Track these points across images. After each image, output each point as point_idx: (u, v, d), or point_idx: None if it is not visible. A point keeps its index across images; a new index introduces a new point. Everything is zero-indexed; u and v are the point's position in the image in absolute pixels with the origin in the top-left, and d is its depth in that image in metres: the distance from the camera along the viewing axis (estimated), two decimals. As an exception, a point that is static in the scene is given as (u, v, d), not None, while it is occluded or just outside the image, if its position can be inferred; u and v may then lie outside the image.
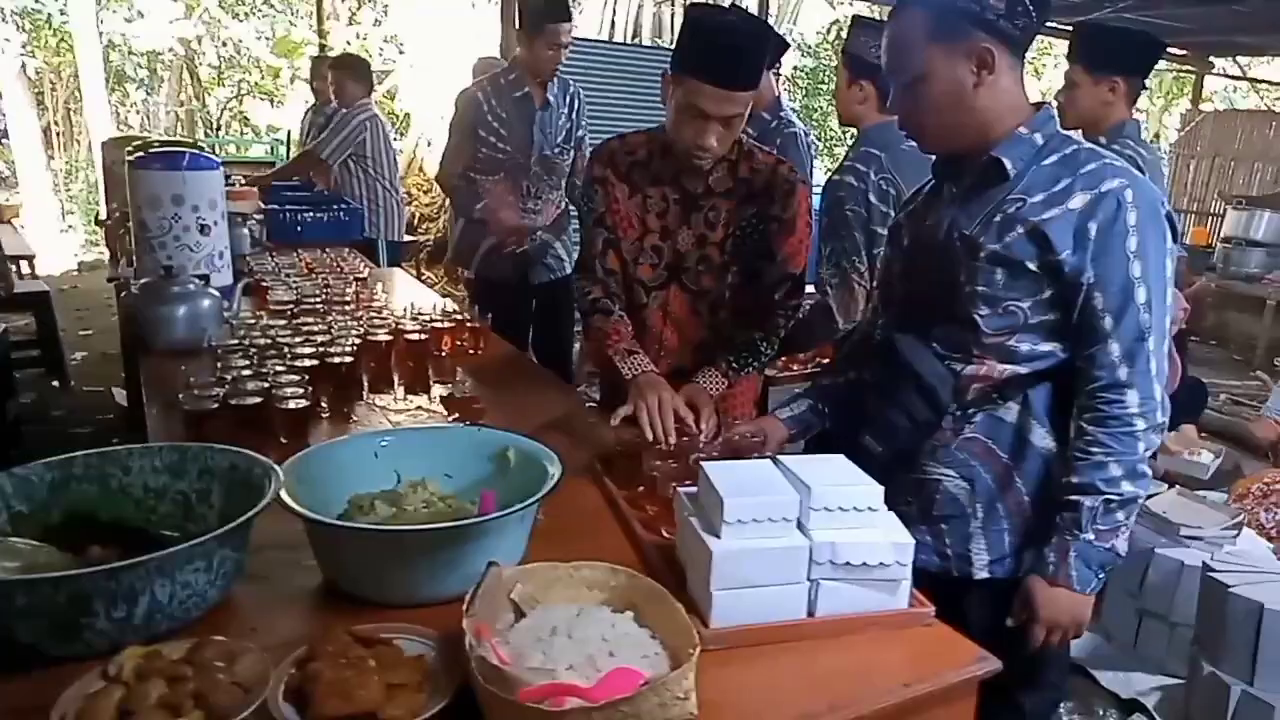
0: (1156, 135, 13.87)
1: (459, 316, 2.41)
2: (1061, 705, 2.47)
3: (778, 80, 3.23)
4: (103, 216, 4.45)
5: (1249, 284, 7.25)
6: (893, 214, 2.16)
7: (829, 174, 2.43)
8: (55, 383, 4.76)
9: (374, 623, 1.00)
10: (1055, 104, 2.64)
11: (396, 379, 2.08)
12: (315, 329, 2.13)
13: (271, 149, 10.21)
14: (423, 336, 2.16)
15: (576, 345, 3.97)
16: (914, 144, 1.45)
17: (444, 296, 3.34)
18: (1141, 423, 1.28)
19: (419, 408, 1.92)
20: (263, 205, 3.95)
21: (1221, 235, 7.74)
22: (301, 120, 5.68)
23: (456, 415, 1.87)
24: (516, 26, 3.08)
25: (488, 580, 0.97)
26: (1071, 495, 1.31)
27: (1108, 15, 6.49)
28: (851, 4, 9.76)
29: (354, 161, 4.56)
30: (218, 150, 10.77)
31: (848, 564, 1.11)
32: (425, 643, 0.97)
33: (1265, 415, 3.99)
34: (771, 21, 10.39)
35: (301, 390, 1.68)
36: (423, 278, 7.06)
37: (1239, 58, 9.92)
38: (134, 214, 2.43)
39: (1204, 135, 8.91)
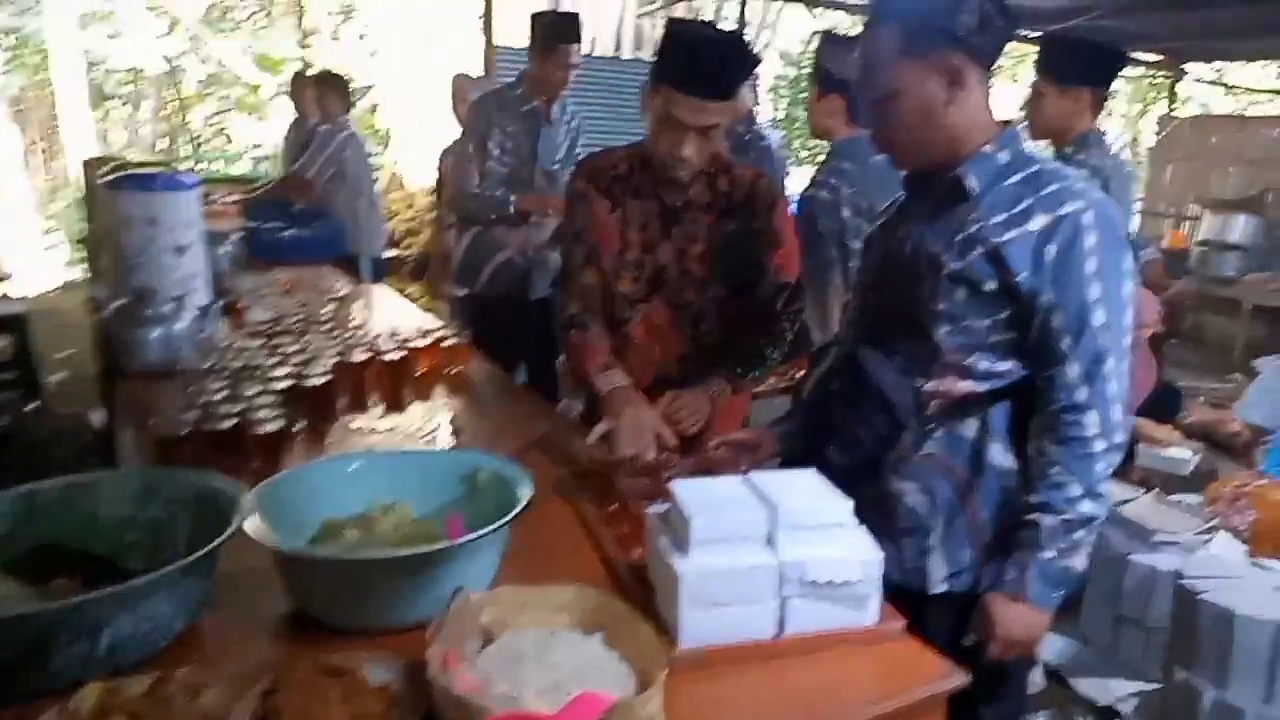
0: (1134, 140, 14.01)
1: (438, 334, 2.41)
2: (1041, 713, 2.49)
3: (754, 93, 3.26)
4: (85, 235, 4.44)
5: (1225, 286, 7.32)
6: (865, 226, 2.18)
7: (805, 188, 2.45)
8: (32, 405, 4.72)
9: (341, 650, 1.00)
10: (1023, 114, 2.69)
11: (374, 400, 2.08)
12: (292, 350, 2.13)
13: (255, 165, 10.19)
14: (400, 356, 2.16)
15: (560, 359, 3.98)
16: (884, 156, 1.47)
17: (427, 311, 3.35)
18: (1101, 443, 1.29)
19: (395, 429, 1.92)
20: (243, 223, 3.95)
21: (1198, 239, 7.82)
22: (285, 137, 5.66)
23: (432, 435, 1.87)
24: (529, 44, 3.14)
25: (455, 606, 0.98)
26: (1031, 514, 1.32)
27: (1082, 23, 6.56)
28: (833, 13, 9.84)
29: (336, 179, 4.56)
30: (202, 166, 10.75)
31: (816, 582, 1.12)
32: (391, 671, 0.97)
33: (1235, 416, 4.03)
34: (752, 31, 10.46)
35: (276, 413, 1.68)
36: (406, 293, 7.06)
37: (1213, 63, 10.03)
38: (109, 236, 2.42)
39: (1180, 140, 8.99)
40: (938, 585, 1.42)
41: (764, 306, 1.90)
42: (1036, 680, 2.58)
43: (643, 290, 1.92)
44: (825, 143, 2.50)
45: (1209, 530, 2.69)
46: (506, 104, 3.15)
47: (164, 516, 1.19)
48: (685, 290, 1.88)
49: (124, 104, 13.13)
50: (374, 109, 10.88)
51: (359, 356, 2.08)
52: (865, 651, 1.14)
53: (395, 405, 2.07)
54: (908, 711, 1.07)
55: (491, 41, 5.59)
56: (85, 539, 1.16)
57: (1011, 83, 11.32)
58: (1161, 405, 4.03)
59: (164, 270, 2.38)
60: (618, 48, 10.11)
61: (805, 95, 2.63)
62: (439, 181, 4.27)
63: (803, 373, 2.51)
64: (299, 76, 5.72)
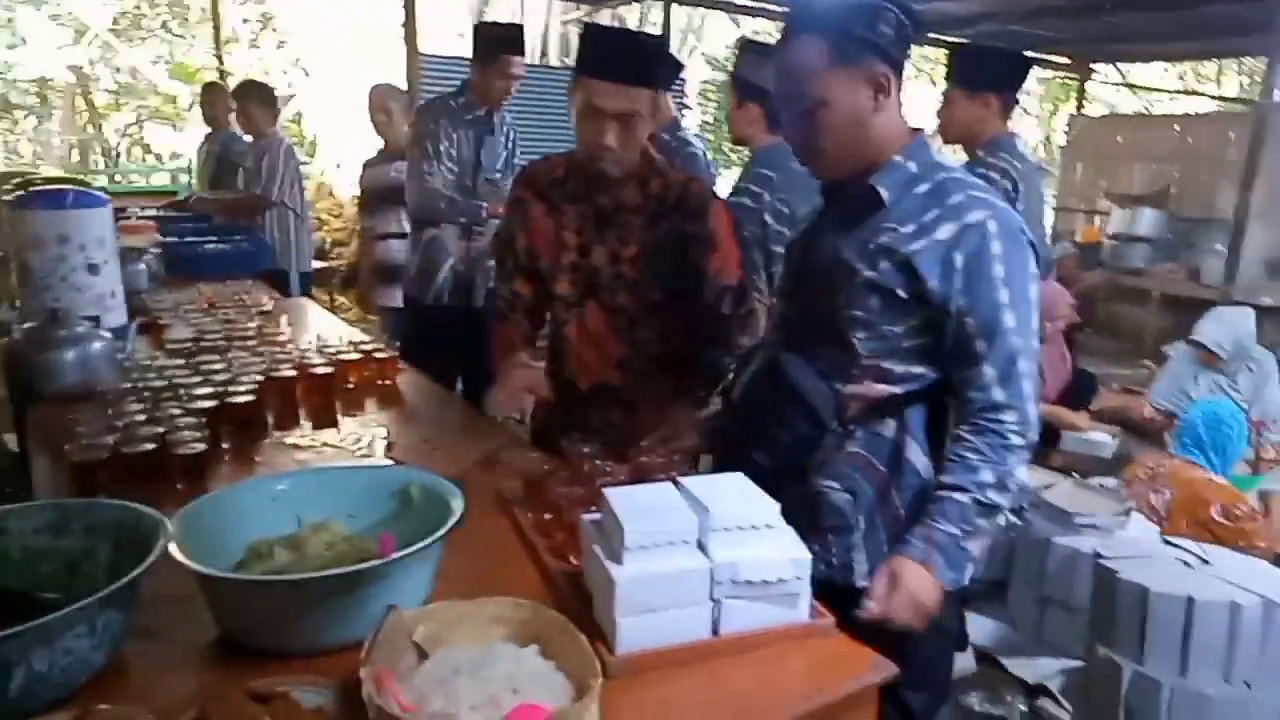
0: (1047, 139, 14.54)
1: (367, 347, 2.38)
2: (973, 693, 2.57)
3: (681, 104, 3.31)
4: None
5: (1135, 277, 7.66)
6: (787, 232, 2.23)
7: (727, 196, 2.49)
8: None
9: (272, 674, 0.98)
10: (936, 120, 2.77)
11: (303, 415, 2.04)
12: (216, 367, 2.08)
13: (174, 177, 9.87)
14: (329, 370, 2.13)
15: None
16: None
17: (356, 323, 3.30)
18: (1017, 439, 1.34)
19: (325, 444, 1.89)
20: (160, 238, 3.83)
21: (1108, 232, 8.15)
22: (198, 150, 5.49)
23: (364, 451, 1.85)
24: (471, 55, 3.17)
25: (387, 625, 0.97)
26: (942, 492, 1.34)
27: (993, 27, 6.79)
28: (754, 20, 9.98)
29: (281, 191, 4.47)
30: (118, 179, 10.36)
31: (748, 582, 1.14)
32: (324, 693, 0.96)
33: (1147, 401, 4.21)
34: (677, 37, 10.55)
35: (199, 434, 1.64)
36: (336, 305, 6.93)
37: (1119, 64, 10.49)
38: (17, 255, 2.33)
39: (1088, 138, 9.36)
40: (862, 579, 1.45)
41: (707, 312, 1.90)
42: (968, 663, 2.66)
43: (578, 293, 1.92)
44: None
45: (1125, 512, 2.81)
46: (452, 112, 3.16)
47: (82, 547, 1.15)
48: (618, 293, 1.89)
49: (26, 116, 12.61)
50: (299, 118, 10.65)
51: (286, 372, 2.04)
52: (798, 648, 1.16)
53: (326, 421, 2.03)
54: (842, 703, 1.09)
55: (415, 49, 5.51)
56: (-3, 573, 1.12)
57: (930, 85, 11.66)
58: (1078, 393, 4.20)
59: (77, 289, 2.30)
60: (544, 55, 10.09)
61: (732, 101, 2.68)
62: (362, 193, 4.19)
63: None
64: (212, 86, 5.57)
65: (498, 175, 3.28)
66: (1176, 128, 8.59)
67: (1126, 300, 7.88)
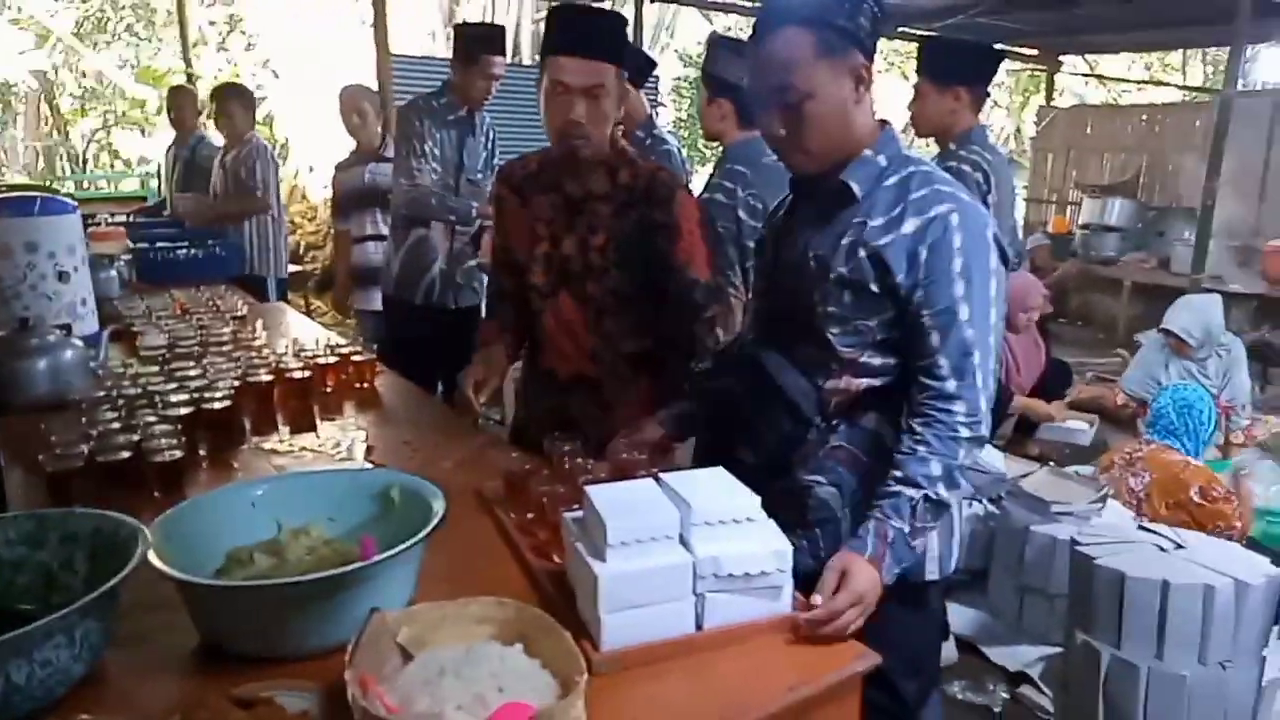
0: (1017, 130, 14.68)
1: (345, 350, 2.36)
2: (956, 682, 2.60)
3: (654, 102, 3.32)
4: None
5: (1107, 267, 7.77)
6: (761, 227, 2.23)
7: (701, 192, 2.50)
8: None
9: (254, 679, 0.98)
10: (908, 114, 2.79)
11: (280, 420, 2.02)
12: (191, 374, 2.06)
13: (144, 182, 9.74)
14: (306, 374, 2.11)
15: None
16: (776, 159, 1.50)
17: (332, 327, 3.28)
18: (966, 431, 1.34)
19: (304, 448, 1.88)
20: (131, 245, 3.78)
21: (1080, 223, 8.25)
22: (166, 154, 5.41)
23: (343, 455, 1.84)
24: (452, 56, 3.18)
25: (370, 627, 0.97)
26: (894, 486, 1.34)
27: (963, 20, 6.84)
28: (726, 16, 10.00)
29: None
30: (85, 185, 10.21)
31: (731, 575, 1.15)
32: (308, 697, 0.96)
33: (1120, 389, 4.27)
34: (650, 34, 10.54)
35: (175, 441, 1.62)
36: (312, 309, 6.88)
37: (1087, 55, 10.61)
38: (-17, 264, 2.29)
39: (1058, 129, 9.47)
40: None
41: (677, 310, 1.90)
42: (950, 652, 2.69)
43: (552, 283, 1.93)
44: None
45: (1101, 500, 2.85)
46: (434, 112, 3.16)
47: (59, 557, 1.14)
48: (587, 282, 1.89)
49: (-10, 122, 12.40)
50: (269, 120, 10.54)
51: (263, 377, 2.03)
52: (782, 639, 1.17)
53: (304, 425, 2.02)
54: (825, 694, 1.10)
55: (386, 50, 5.48)
56: (-28, 587, 1.11)
57: (901, 79, 11.74)
58: (1053, 383, 4.25)
59: (47, 298, 2.27)
60: (516, 53, 10.06)
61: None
62: (335, 196, 4.16)
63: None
64: (178, 90, 5.49)
65: (479, 176, 3.28)
66: (1144, 118, 8.73)
67: (1099, 290, 7.99)
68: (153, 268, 3.71)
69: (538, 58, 2.06)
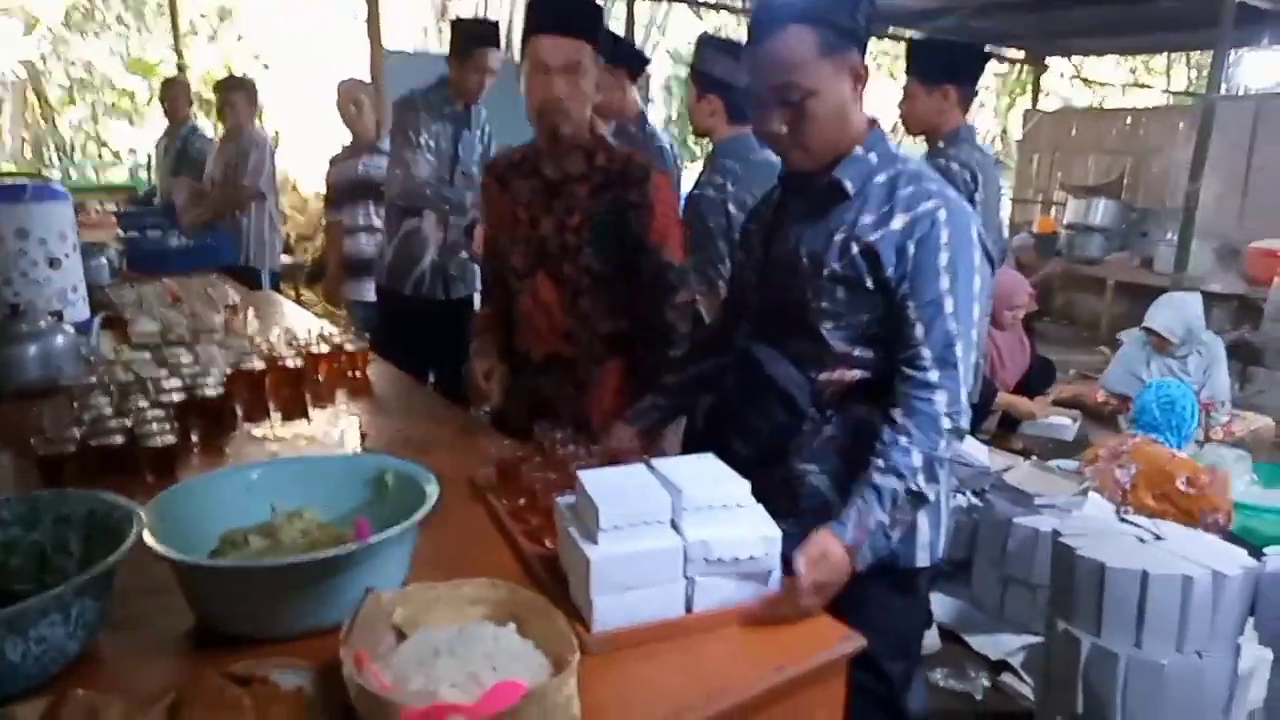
0: (1004, 132, 14.75)
1: (337, 340, 2.37)
2: (938, 670, 2.63)
3: (645, 96, 3.33)
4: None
5: (1091, 266, 7.83)
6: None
7: (692, 188, 2.52)
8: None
9: (249, 659, 0.99)
10: (898, 113, 2.82)
11: (272, 408, 2.03)
12: (183, 361, 2.07)
13: (133, 172, 9.68)
14: (298, 363, 2.12)
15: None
16: (765, 154, 1.52)
17: (323, 318, 3.27)
18: (946, 421, 1.36)
19: (297, 436, 1.89)
20: (121, 234, 3.77)
21: (1065, 223, 8.32)
22: (157, 145, 5.38)
23: (336, 442, 1.85)
24: (448, 51, 3.17)
25: (365, 607, 0.98)
26: (877, 476, 1.34)
27: (951, 22, 6.89)
28: (718, 15, 10.01)
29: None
30: (73, 175, 10.13)
31: (721, 560, 1.17)
32: (303, 675, 0.97)
33: (1101, 386, 4.32)
34: (641, 32, 10.54)
35: (168, 426, 1.63)
36: (302, 300, 6.85)
37: (1072, 58, 10.67)
38: (-27, 251, 2.29)
39: (1044, 130, 9.53)
40: None
41: (649, 290, 1.92)
42: (933, 641, 2.73)
43: (530, 264, 1.97)
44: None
45: (1083, 492, 2.89)
46: (431, 105, 3.16)
47: (53, 539, 1.15)
48: (564, 262, 1.92)
49: (-22, 111, 12.25)
50: (260, 112, 10.47)
51: (255, 365, 2.04)
52: (770, 623, 1.19)
53: (296, 413, 2.03)
54: (812, 676, 1.13)
55: (380, 44, 5.46)
56: (-33, 567, 1.11)
57: (889, 79, 11.78)
58: (1037, 380, 4.29)
59: (38, 284, 2.28)
60: (508, 48, 10.03)
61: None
62: (329, 188, 4.16)
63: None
64: (172, 81, 5.48)
65: (475, 170, 3.28)
66: (1129, 121, 8.79)
67: (1083, 289, 8.05)
68: (144, 257, 3.70)
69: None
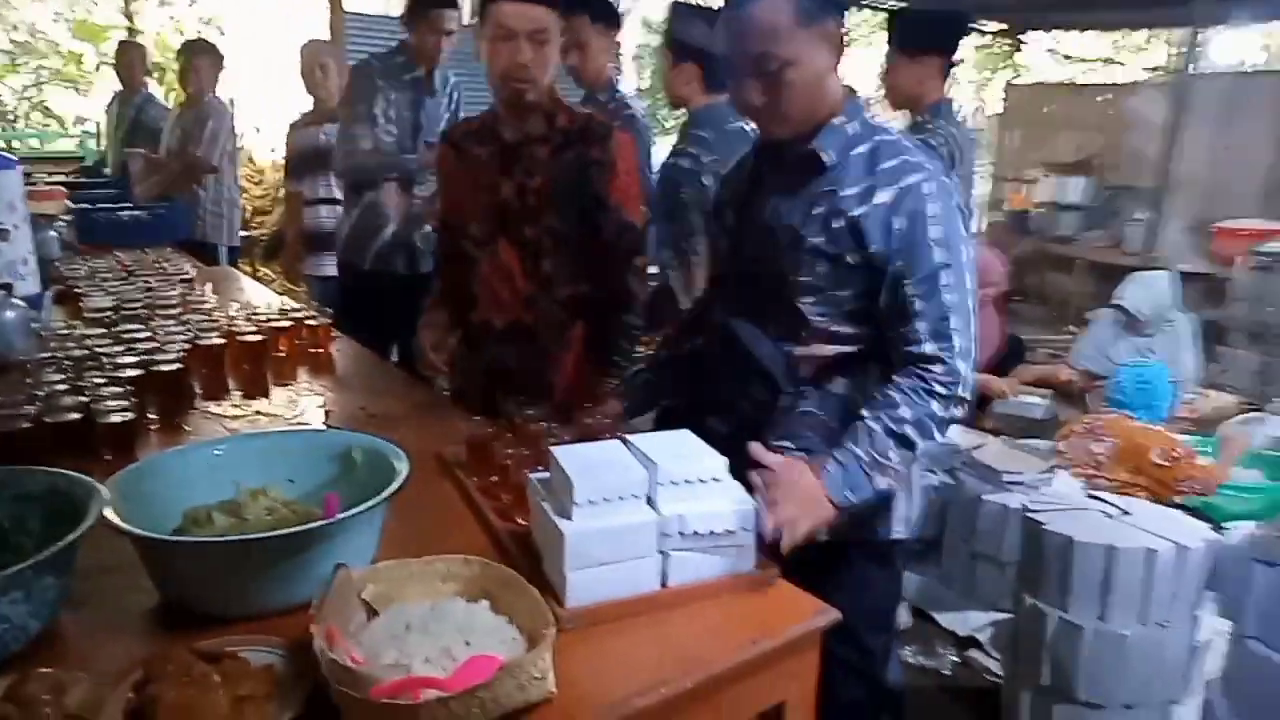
0: (980, 107, 14.81)
1: (299, 314, 2.32)
2: (907, 647, 2.66)
3: (616, 67, 3.25)
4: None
5: (1063, 245, 7.88)
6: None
7: (667, 158, 2.49)
8: None
9: (218, 637, 0.96)
10: (880, 84, 2.80)
11: (232, 384, 1.98)
12: (139, 336, 2.01)
13: (81, 142, 9.38)
14: (259, 338, 2.07)
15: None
16: (740, 123, 1.50)
17: (282, 294, 3.20)
18: (941, 389, 1.36)
19: (258, 412, 1.85)
20: (71, 205, 3.65)
21: (1038, 200, 8.36)
22: (107, 109, 5.21)
23: (299, 419, 1.81)
24: (403, 11, 3.06)
25: (336, 583, 0.96)
26: (865, 417, 1.35)
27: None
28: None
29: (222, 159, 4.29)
30: (16, 145, 9.80)
31: (696, 534, 1.16)
32: (273, 652, 0.95)
33: (1071, 364, 4.36)
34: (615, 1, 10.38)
35: (125, 402, 1.58)
36: (259, 276, 6.72)
37: (1050, 32, 10.71)
38: (-83, 221, 2.20)
39: (1020, 106, 9.54)
40: (820, 534, 1.48)
41: (605, 250, 1.91)
42: (903, 618, 2.75)
43: (489, 230, 1.94)
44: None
45: (1051, 469, 2.93)
46: (389, 71, 3.05)
47: (10, 517, 1.11)
48: (525, 225, 1.90)
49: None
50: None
51: (214, 340, 1.98)
52: (745, 597, 1.18)
53: (257, 389, 1.98)
54: (786, 648, 1.12)
55: (340, 7, 5.32)
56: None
57: (867, 48, 11.73)
58: (1009, 358, 4.33)
59: (-14, 256, 2.19)
60: (475, 14, 9.84)
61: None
62: (288, 157, 4.06)
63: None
64: (128, 45, 5.31)
65: (438, 139, 3.20)
66: (1105, 97, 8.81)
67: (1053, 267, 8.09)
68: (95, 229, 3.59)
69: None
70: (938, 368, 1.36)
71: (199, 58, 4.32)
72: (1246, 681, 1.98)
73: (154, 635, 1.05)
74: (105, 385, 1.64)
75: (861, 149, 1.40)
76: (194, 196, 4.26)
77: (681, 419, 1.48)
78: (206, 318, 2.22)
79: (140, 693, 0.85)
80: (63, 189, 3.99)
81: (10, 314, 2.01)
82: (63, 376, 1.70)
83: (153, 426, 1.72)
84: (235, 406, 1.88)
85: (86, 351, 1.86)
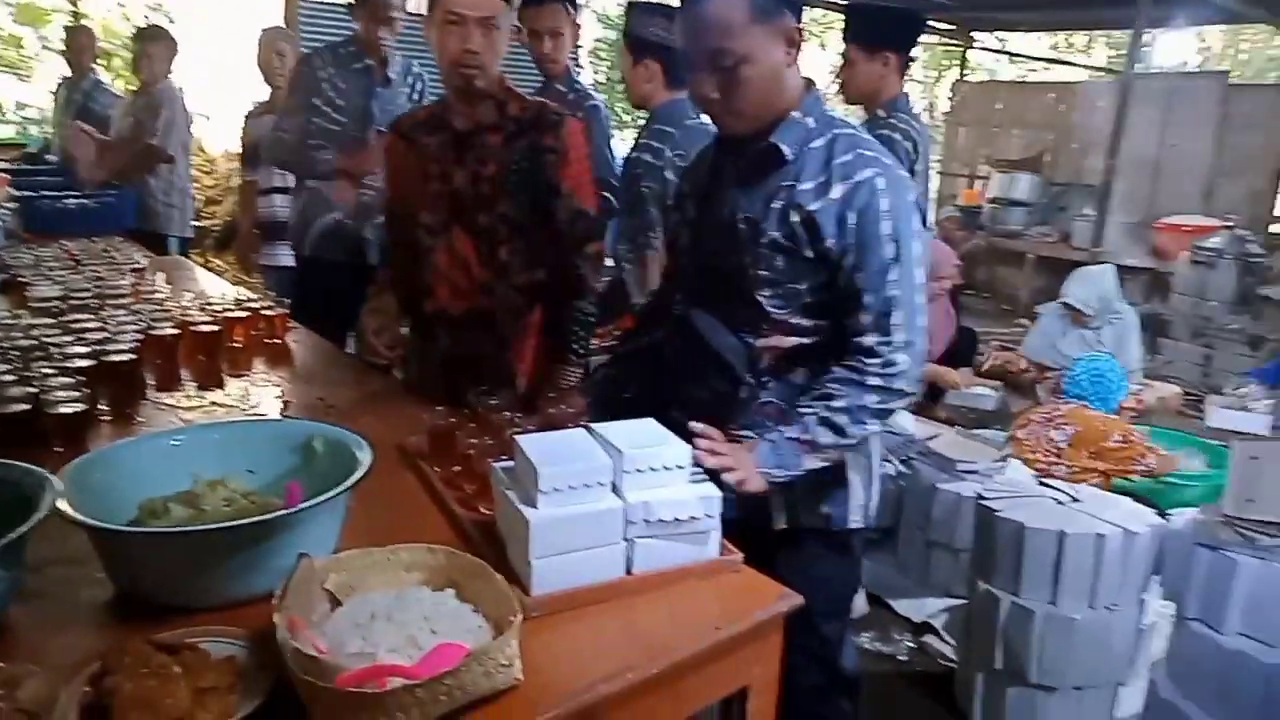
0: (931, 105, 15.03)
1: (254, 304, 2.28)
2: (864, 634, 2.70)
3: (574, 59, 3.22)
4: None
5: (1012, 240, 8.06)
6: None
7: (629, 153, 2.48)
8: None
9: (176, 629, 0.95)
10: (837, 81, 2.82)
11: (186, 375, 1.94)
12: (89, 326, 1.96)
13: (23, 128, 9.09)
14: (213, 328, 2.03)
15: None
16: (702, 120, 1.51)
17: (236, 285, 3.14)
18: (876, 380, 1.39)
19: (214, 404, 1.81)
20: (14, 193, 3.54)
21: (988, 196, 8.53)
22: (54, 94, 5.06)
23: (255, 410, 1.78)
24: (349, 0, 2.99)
25: (299, 573, 0.95)
26: (801, 405, 1.41)
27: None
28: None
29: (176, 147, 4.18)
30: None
31: (661, 521, 1.16)
32: (235, 644, 0.93)
33: (1021, 357, 4.47)
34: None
35: (76, 393, 1.55)
36: (210, 267, 6.58)
37: (998, 32, 10.91)
38: None
39: (970, 104, 9.74)
40: (779, 522, 1.50)
41: (558, 238, 1.91)
42: (860, 605, 2.80)
43: (443, 219, 1.93)
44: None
45: (1003, 458, 3.00)
46: (339, 61, 2.98)
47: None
48: (479, 213, 1.90)
49: None
50: (167, 67, 9.95)
51: (167, 330, 1.94)
52: (709, 583, 1.20)
53: (211, 380, 1.95)
54: (750, 633, 1.14)
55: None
56: None
57: (820, 50, 11.84)
58: (961, 350, 4.41)
59: (-74, 244, 2.12)
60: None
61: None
62: (244, 146, 3.97)
63: (622, 330, 2.54)
64: (77, 29, 5.15)
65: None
66: (1051, 96, 9.02)
67: (1003, 262, 8.29)
68: (40, 217, 3.48)
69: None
70: (875, 360, 1.39)
71: (153, 44, 4.20)
72: (1188, 662, 2.04)
73: (109, 628, 1.03)
74: (54, 376, 1.60)
75: (818, 143, 1.42)
76: (144, 184, 4.15)
77: (643, 410, 1.49)
78: (159, 308, 2.17)
79: (97, 686, 0.83)
80: (5, 175, 3.87)
81: (-48, 303, 1.95)
82: (9, 367, 1.65)
83: (104, 418, 1.68)
84: (189, 398, 1.84)
85: (34, 342, 1.81)
